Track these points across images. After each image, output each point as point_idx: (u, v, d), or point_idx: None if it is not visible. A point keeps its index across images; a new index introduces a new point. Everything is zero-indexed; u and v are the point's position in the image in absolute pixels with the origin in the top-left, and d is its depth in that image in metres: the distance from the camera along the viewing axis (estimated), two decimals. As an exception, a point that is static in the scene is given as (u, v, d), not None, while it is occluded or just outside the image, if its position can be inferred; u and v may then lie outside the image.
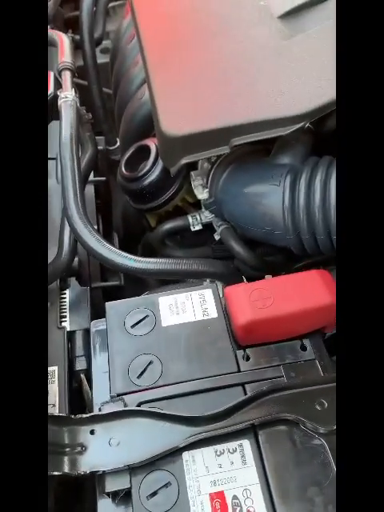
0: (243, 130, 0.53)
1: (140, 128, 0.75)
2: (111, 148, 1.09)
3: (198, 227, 0.72)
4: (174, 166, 0.59)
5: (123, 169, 0.72)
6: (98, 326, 0.51)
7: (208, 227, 0.74)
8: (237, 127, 0.53)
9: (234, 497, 0.38)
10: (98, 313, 0.67)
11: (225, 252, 0.75)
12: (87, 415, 0.41)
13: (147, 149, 0.70)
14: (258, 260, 0.67)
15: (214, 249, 0.77)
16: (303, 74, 0.53)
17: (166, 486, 0.39)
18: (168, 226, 0.73)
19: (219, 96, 0.56)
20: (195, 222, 0.72)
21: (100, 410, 0.42)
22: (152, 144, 0.70)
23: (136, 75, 0.79)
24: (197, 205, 0.75)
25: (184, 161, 0.57)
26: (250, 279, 0.68)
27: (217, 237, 0.71)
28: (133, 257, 0.56)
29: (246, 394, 0.44)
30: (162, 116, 0.59)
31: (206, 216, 0.70)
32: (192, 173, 0.67)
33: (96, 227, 0.87)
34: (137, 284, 0.81)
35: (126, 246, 1.01)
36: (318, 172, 0.52)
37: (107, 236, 0.97)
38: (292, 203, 0.52)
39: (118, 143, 1.04)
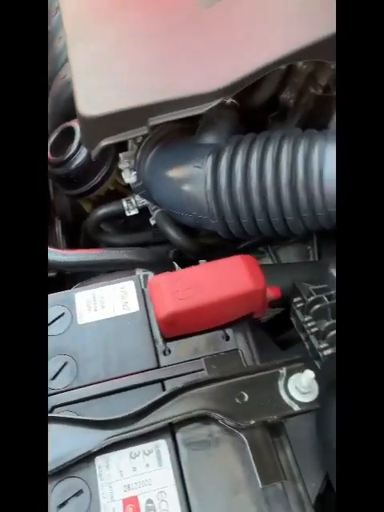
0: (160, 109, 0.50)
1: (65, 109, 0.71)
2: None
3: (134, 212, 0.69)
4: (94, 148, 0.55)
5: (49, 153, 0.68)
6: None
7: (146, 211, 0.71)
8: (153, 106, 0.49)
9: (149, 500, 0.36)
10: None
11: (165, 236, 0.72)
12: (-8, 425, 0.38)
13: (72, 131, 0.66)
14: (194, 244, 0.64)
15: (154, 233, 0.74)
16: (221, 47, 0.49)
17: (76, 494, 0.37)
18: (101, 211, 0.69)
19: (136, 73, 0.52)
20: (130, 206, 0.69)
21: (9, 417, 0.40)
22: (77, 125, 0.66)
23: (60, 52, 0.74)
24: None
25: (104, 143, 0.54)
26: (191, 264, 0.66)
27: (152, 221, 0.68)
28: (52, 249, 0.53)
29: (164, 390, 0.42)
30: (79, 96, 0.55)
31: (143, 201, 0.67)
32: (120, 155, 0.64)
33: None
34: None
35: (71, 235, 0.97)
36: (239, 152, 0.49)
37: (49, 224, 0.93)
38: (214, 186, 0.50)
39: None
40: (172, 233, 0.63)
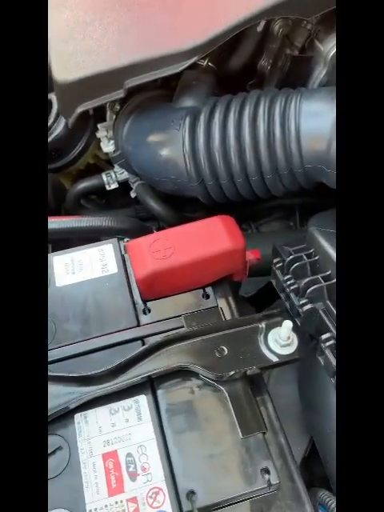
0: (136, 70, 0.49)
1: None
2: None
3: (114, 185, 0.69)
4: (71, 116, 0.54)
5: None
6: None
7: (126, 185, 0.70)
8: (128, 67, 0.49)
9: (128, 454, 0.36)
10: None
11: (147, 212, 0.71)
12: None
13: (49, 103, 0.65)
14: (176, 215, 0.64)
15: (136, 209, 0.74)
16: (195, 6, 0.49)
17: (55, 450, 0.36)
18: (81, 185, 0.68)
19: (110, 37, 0.52)
20: (110, 180, 0.68)
21: (-15, 378, 0.39)
22: (53, 98, 0.65)
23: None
24: (111, 162, 0.71)
25: (80, 109, 0.53)
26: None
27: (133, 194, 0.67)
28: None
29: (144, 348, 0.41)
30: (54, 63, 0.54)
31: (120, 172, 0.66)
32: (98, 125, 0.63)
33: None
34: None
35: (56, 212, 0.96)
36: (216, 112, 0.49)
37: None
38: (192, 147, 0.49)
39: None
40: (153, 204, 0.62)
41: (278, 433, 0.38)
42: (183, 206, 0.69)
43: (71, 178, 0.72)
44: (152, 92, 0.57)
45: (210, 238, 0.45)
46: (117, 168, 0.67)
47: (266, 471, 0.35)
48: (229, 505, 0.34)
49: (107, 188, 0.68)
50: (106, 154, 0.68)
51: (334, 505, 0.39)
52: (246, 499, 0.35)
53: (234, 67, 0.56)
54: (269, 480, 0.35)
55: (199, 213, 0.71)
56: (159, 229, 0.70)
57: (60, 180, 0.79)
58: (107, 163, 0.72)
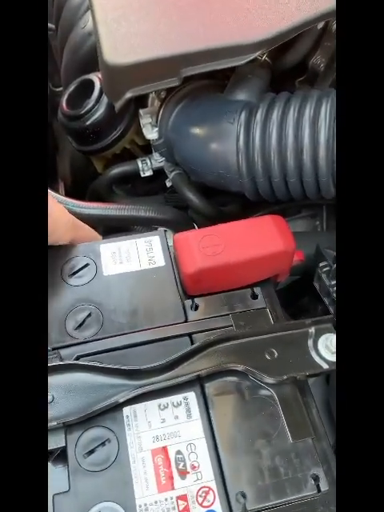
0: (194, 60, 0.48)
1: (83, 61, 0.68)
2: (56, 89, 1.00)
3: (149, 173, 0.68)
4: (119, 100, 0.53)
5: (64, 106, 0.65)
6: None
7: (160, 173, 0.69)
8: (187, 56, 0.48)
9: (178, 452, 0.36)
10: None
11: (178, 201, 0.70)
12: (17, 371, 0.37)
13: (91, 84, 0.64)
14: (212, 208, 0.63)
15: (166, 198, 0.73)
16: (262, -2, 0.47)
17: (103, 443, 0.36)
18: (115, 170, 0.67)
19: (168, 21, 0.50)
20: (145, 167, 0.67)
21: (32, 364, 0.38)
22: (96, 78, 0.64)
23: (80, 2, 0.71)
24: (147, 148, 0.70)
25: (129, 94, 0.52)
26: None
27: (168, 183, 0.66)
28: (72, 201, 0.51)
29: (193, 344, 0.41)
30: (105, 44, 0.52)
31: (157, 160, 0.65)
32: (140, 110, 0.62)
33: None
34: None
35: (75, 195, 0.95)
36: (274, 109, 0.48)
37: (52, 184, 0.91)
38: (246, 143, 0.48)
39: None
40: (190, 195, 0.62)
41: (322, 438, 0.38)
42: (213, 197, 0.68)
43: (104, 162, 0.71)
44: (201, 81, 0.56)
45: (262, 237, 0.45)
46: (153, 155, 0.66)
47: (316, 478, 0.35)
48: (277, 509, 0.35)
49: (142, 175, 0.67)
50: (144, 139, 0.67)
51: None
52: (293, 504, 0.35)
53: (288, 63, 0.55)
54: (318, 486, 0.35)
55: (231, 206, 0.70)
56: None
57: (84, 160, 0.77)
58: (141, 149, 0.71)
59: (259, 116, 0.48)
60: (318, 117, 0.45)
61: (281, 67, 0.55)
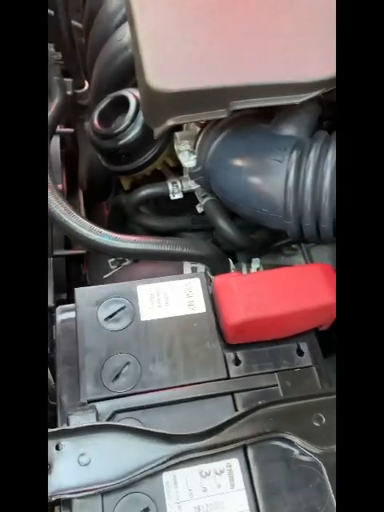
0: (246, 94, 0.45)
1: (117, 76, 0.65)
2: (79, 91, 0.96)
3: (179, 196, 0.65)
4: (159, 126, 0.50)
5: (96, 123, 0.62)
6: (64, 313, 0.44)
7: (186, 195, 0.66)
8: (240, 89, 0.45)
9: (221, 525, 0.34)
10: (58, 285, 0.59)
11: (204, 223, 0.68)
12: (53, 430, 0.35)
13: (125, 101, 0.61)
14: (243, 238, 0.61)
15: (193, 220, 0.70)
16: (325, 35, 0.44)
17: (143, 511, 0.34)
18: (145, 192, 0.64)
19: (220, 46, 0.47)
20: (176, 189, 0.64)
21: (68, 420, 0.36)
22: (131, 96, 0.60)
23: (116, 9, 0.68)
24: (177, 170, 0.67)
25: (171, 122, 0.49)
26: (229, 254, 0.63)
27: (200, 209, 0.64)
28: (109, 233, 0.48)
29: (235, 403, 0.39)
30: (149, 66, 0.49)
31: (189, 185, 0.63)
32: (177, 134, 0.59)
33: (61, 185, 0.78)
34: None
35: (90, 203, 0.92)
36: (329, 151, 0.45)
37: (72, 192, 0.88)
38: (296, 184, 0.46)
39: (86, 86, 0.92)
40: (223, 224, 0.59)
41: (368, 512, 0.36)
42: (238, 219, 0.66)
43: (132, 180, 0.68)
44: (246, 110, 0.53)
45: (310, 288, 0.43)
46: (185, 177, 0.63)
47: None
48: None
49: (171, 197, 0.64)
50: (175, 161, 0.64)
51: None
52: None
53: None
54: None
55: (259, 232, 0.68)
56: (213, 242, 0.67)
57: (103, 166, 0.74)
58: (171, 170, 0.68)
59: (312, 156, 0.45)
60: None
61: (330, 100, 0.52)
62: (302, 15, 0.45)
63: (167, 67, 0.49)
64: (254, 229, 0.67)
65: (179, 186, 0.64)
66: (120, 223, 0.75)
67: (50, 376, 0.46)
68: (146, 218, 0.68)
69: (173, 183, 0.64)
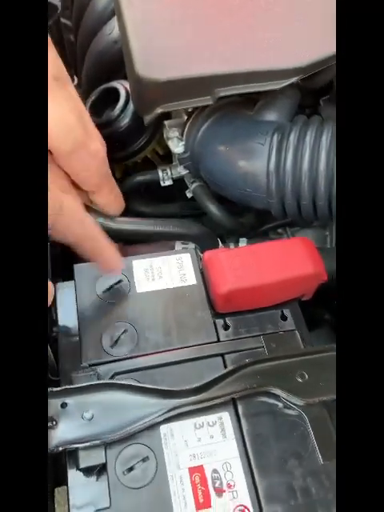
0: (230, 81, 0.48)
1: (107, 69, 0.68)
2: (69, 86, 0.99)
3: (169, 182, 0.68)
4: (149, 114, 0.53)
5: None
6: (63, 289, 0.47)
7: (175, 182, 0.70)
8: (224, 76, 0.48)
9: (214, 470, 0.37)
10: (55, 270, 0.62)
11: (193, 210, 0.71)
12: (58, 388, 0.38)
13: (115, 92, 0.64)
14: (232, 220, 0.64)
15: (182, 206, 0.73)
16: (303, 23, 0.48)
17: (143, 460, 0.37)
18: (137, 179, 0.68)
19: (206, 38, 0.51)
20: (166, 176, 0.67)
21: (71, 381, 0.39)
22: (121, 87, 0.63)
23: (104, 5, 0.71)
24: (166, 157, 0.70)
25: (160, 110, 0.52)
26: (219, 237, 0.66)
27: (189, 194, 0.67)
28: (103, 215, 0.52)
29: (225, 364, 0.42)
30: (137, 57, 0.52)
31: (179, 171, 0.66)
32: (166, 123, 0.62)
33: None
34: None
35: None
36: (307, 133, 0.49)
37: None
38: (278, 165, 0.49)
39: (75, 81, 0.95)
40: (212, 207, 0.62)
41: (347, 458, 0.40)
42: (227, 204, 0.69)
43: (123, 168, 0.71)
44: (230, 98, 0.57)
45: (292, 260, 0.46)
46: (174, 164, 0.67)
47: (345, 498, 0.37)
48: (309, 528, 0.36)
49: (162, 184, 0.68)
50: (165, 149, 0.68)
51: None
52: (322, 523, 0.37)
53: (318, 84, 0.56)
54: (348, 507, 0.37)
55: (247, 216, 0.71)
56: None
57: None
58: (160, 158, 0.71)
59: (292, 139, 0.49)
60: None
61: (309, 87, 0.56)
62: (281, 7, 0.49)
63: (155, 58, 0.52)
64: (242, 213, 0.71)
65: (169, 173, 0.67)
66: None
67: (50, 352, 0.48)
68: (137, 205, 0.71)
69: (163, 170, 0.67)
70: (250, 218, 0.70)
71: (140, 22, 0.55)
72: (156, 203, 0.73)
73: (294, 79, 0.46)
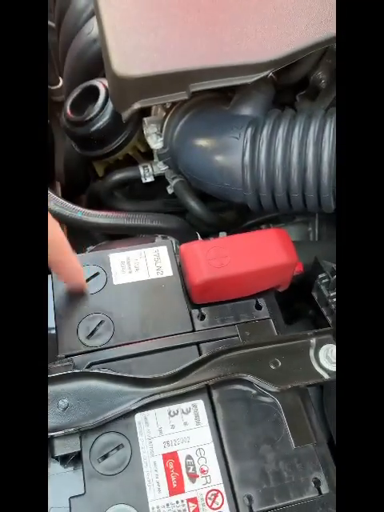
0: (203, 76, 0.49)
1: (87, 67, 0.69)
2: (53, 88, 1.00)
3: (150, 179, 0.69)
4: (126, 110, 0.54)
5: (69, 112, 0.66)
6: (42, 282, 0.47)
7: (159, 179, 0.70)
8: (197, 72, 0.49)
9: (188, 456, 0.38)
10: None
11: (176, 207, 0.72)
12: (33, 379, 0.38)
13: (95, 90, 0.65)
14: (212, 216, 0.65)
15: (165, 203, 0.74)
16: (272, 18, 0.49)
17: (117, 448, 0.38)
18: (118, 176, 0.68)
19: (178, 35, 0.52)
20: (147, 173, 0.68)
21: (47, 371, 0.40)
22: (101, 85, 0.64)
23: (83, 6, 0.71)
24: (148, 155, 0.71)
25: (137, 106, 0.53)
26: (202, 235, 0.67)
27: (170, 190, 0.68)
28: (81, 209, 0.52)
29: (200, 353, 0.43)
30: (114, 55, 0.53)
31: (159, 167, 0.67)
32: (145, 119, 0.63)
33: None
34: (80, 237, 0.77)
35: (70, 196, 0.95)
36: (279, 127, 0.49)
37: (50, 184, 0.91)
38: (252, 159, 0.50)
39: (61, 82, 0.96)
40: (192, 203, 0.63)
41: (322, 444, 0.41)
42: (210, 202, 0.70)
43: (105, 166, 0.72)
44: (207, 93, 0.58)
45: (266, 250, 0.47)
46: (155, 161, 0.67)
47: (317, 481, 0.38)
48: (281, 511, 0.37)
49: (143, 180, 0.69)
50: (146, 146, 0.68)
51: None
52: (296, 506, 0.37)
53: (292, 79, 0.57)
54: (319, 489, 0.37)
55: (228, 212, 0.72)
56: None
57: (80, 160, 0.78)
58: (142, 155, 0.72)
59: (265, 133, 0.49)
60: (322, 136, 0.47)
61: (284, 83, 0.57)
62: (252, 2, 0.50)
63: (131, 55, 0.53)
64: (224, 209, 0.72)
65: (150, 169, 0.68)
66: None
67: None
68: (119, 202, 0.72)
69: (144, 167, 0.68)
70: (231, 215, 0.71)
71: (117, 23, 0.56)
72: (139, 200, 0.74)
73: (265, 73, 0.47)
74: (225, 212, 0.71)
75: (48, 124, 0.92)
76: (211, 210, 0.62)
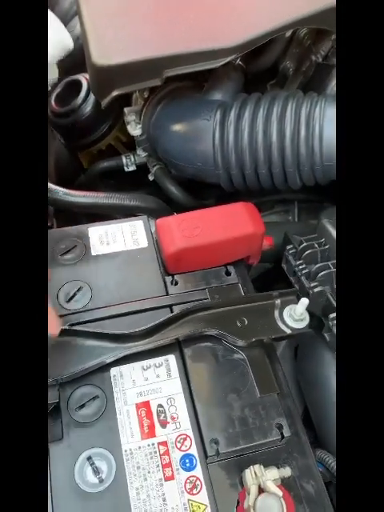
0: (175, 62, 0.53)
1: (71, 62, 0.72)
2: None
3: (132, 168, 0.72)
4: (106, 98, 0.58)
5: (53, 104, 0.70)
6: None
7: (142, 170, 0.74)
8: (169, 58, 0.53)
9: (159, 405, 0.41)
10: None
11: (161, 195, 0.75)
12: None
13: (78, 84, 0.68)
14: (191, 199, 0.68)
15: (148, 192, 0.77)
16: (235, 5, 0.53)
17: (93, 398, 0.40)
18: (101, 165, 0.72)
19: (152, 25, 0.55)
20: (129, 162, 0.72)
21: (28, 332, 0.43)
22: (83, 79, 0.68)
23: (68, 7, 0.76)
24: (130, 145, 0.74)
25: (115, 93, 0.57)
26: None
27: (151, 177, 0.71)
28: (63, 189, 0.56)
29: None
30: (93, 45, 0.57)
31: (140, 155, 0.70)
32: (125, 109, 0.66)
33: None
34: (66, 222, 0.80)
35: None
36: (246, 109, 0.53)
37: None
38: (221, 138, 0.54)
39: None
40: (172, 188, 0.66)
41: (287, 396, 0.44)
42: (196, 192, 0.73)
43: (90, 158, 0.75)
44: (182, 82, 0.61)
45: (234, 221, 0.50)
46: (137, 151, 0.71)
47: (280, 426, 0.40)
48: (247, 453, 0.40)
49: (126, 169, 0.72)
50: (127, 136, 0.72)
51: (332, 463, 0.45)
52: (261, 449, 0.40)
53: (260, 67, 0.60)
54: (282, 433, 0.40)
55: (211, 199, 0.75)
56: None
57: (69, 157, 0.82)
58: (125, 146, 0.75)
59: (232, 114, 0.53)
60: (285, 114, 0.51)
61: (253, 70, 0.61)
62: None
63: (109, 46, 0.56)
64: (206, 197, 0.75)
65: (132, 158, 0.72)
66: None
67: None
68: (104, 191, 0.75)
69: (126, 156, 0.72)
70: (212, 203, 0.75)
71: (96, 19, 0.60)
72: (122, 190, 0.78)
73: (232, 57, 0.51)
74: (206, 199, 0.75)
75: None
76: (191, 195, 0.66)
